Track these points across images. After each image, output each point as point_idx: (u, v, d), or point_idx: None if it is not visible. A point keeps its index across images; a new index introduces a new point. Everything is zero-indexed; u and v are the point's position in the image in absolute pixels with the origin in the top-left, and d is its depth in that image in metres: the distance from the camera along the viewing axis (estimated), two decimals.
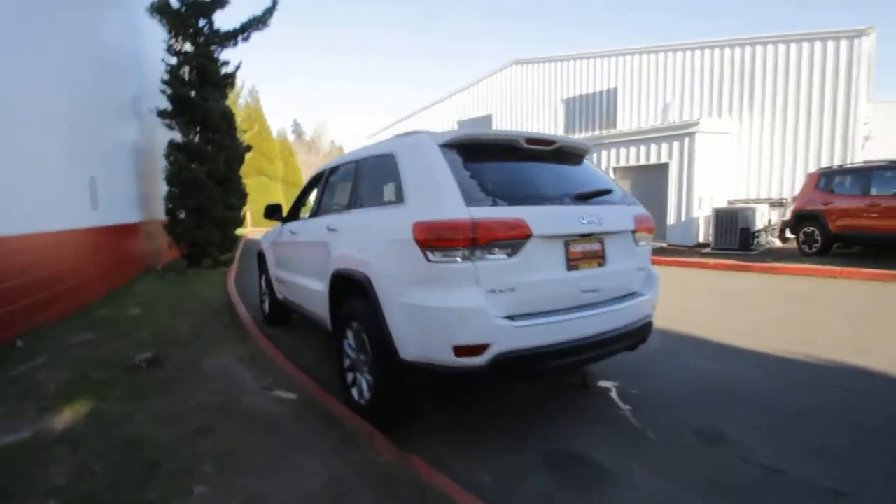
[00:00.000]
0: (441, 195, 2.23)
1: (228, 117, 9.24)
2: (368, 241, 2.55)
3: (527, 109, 20.33)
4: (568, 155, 2.87)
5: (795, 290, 6.39)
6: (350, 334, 2.83)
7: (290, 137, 46.51)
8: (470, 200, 2.18)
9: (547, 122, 19.38)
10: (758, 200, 11.47)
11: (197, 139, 8.71)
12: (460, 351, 2.09)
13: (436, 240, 2.13)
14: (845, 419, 2.71)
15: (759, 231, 10.70)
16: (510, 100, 21.05)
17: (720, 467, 2.27)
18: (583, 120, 18.62)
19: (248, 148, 10.04)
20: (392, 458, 2.20)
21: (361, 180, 3.04)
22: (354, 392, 2.81)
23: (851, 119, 12.72)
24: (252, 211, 19.78)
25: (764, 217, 11.26)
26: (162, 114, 8.40)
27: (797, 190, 13.96)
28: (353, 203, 3.01)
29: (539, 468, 2.28)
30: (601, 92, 18.02)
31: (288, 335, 4.78)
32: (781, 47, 13.77)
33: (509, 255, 2.18)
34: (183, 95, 8.25)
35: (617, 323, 2.52)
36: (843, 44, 12.59)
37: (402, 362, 2.31)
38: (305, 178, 43.62)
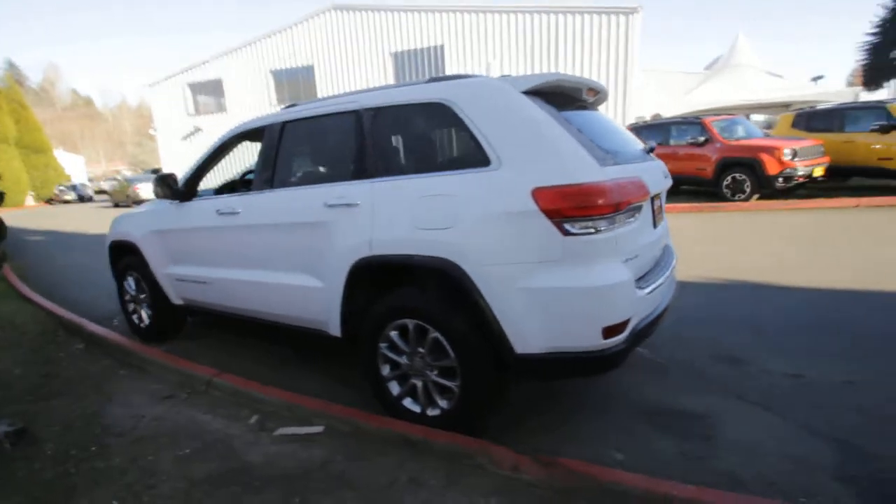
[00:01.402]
0: (565, 154, 1.84)
1: None
2: (443, 217, 1.98)
3: (353, 62, 19.11)
4: (597, 105, 2.73)
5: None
6: (395, 336, 2.25)
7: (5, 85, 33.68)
8: (598, 160, 1.87)
9: (377, 77, 18.63)
10: None
11: None
12: (609, 331, 1.84)
13: (576, 208, 1.77)
14: (810, 324, 3.32)
15: None
16: (334, 50, 19.39)
17: (761, 382, 2.60)
18: (413, 76, 18.45)
19: None
20: (539, 469, 1.86)
21: (374, 138, 2.31)
22: (409, 403, 2.29)
23: (628, 82, 15.70)
24: None
25: None
26: None
27: None
28: (371, 169, 2.28)
29: (651, 432, 2.24)
30: (430, 48, 18.05)
31: (198, 347, 3.61)
32: (577, 17, 15.86)
33: (635, 219, 1.98)
34: None
35: (675, 275, 2.59)
36: (622, 18, 15.20)
37: (519, 357, 1.93)
38: (50, 136, 32.87)
